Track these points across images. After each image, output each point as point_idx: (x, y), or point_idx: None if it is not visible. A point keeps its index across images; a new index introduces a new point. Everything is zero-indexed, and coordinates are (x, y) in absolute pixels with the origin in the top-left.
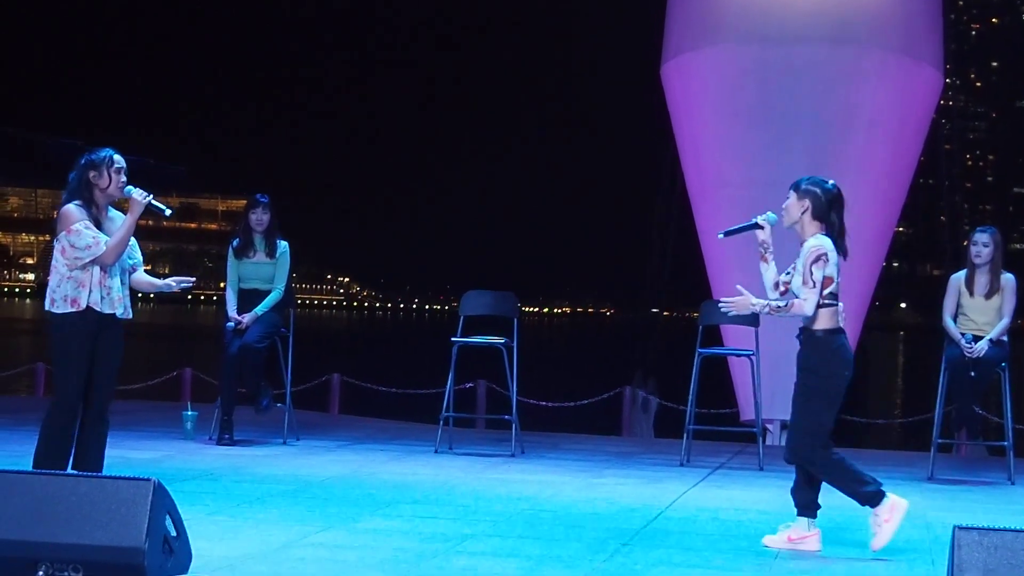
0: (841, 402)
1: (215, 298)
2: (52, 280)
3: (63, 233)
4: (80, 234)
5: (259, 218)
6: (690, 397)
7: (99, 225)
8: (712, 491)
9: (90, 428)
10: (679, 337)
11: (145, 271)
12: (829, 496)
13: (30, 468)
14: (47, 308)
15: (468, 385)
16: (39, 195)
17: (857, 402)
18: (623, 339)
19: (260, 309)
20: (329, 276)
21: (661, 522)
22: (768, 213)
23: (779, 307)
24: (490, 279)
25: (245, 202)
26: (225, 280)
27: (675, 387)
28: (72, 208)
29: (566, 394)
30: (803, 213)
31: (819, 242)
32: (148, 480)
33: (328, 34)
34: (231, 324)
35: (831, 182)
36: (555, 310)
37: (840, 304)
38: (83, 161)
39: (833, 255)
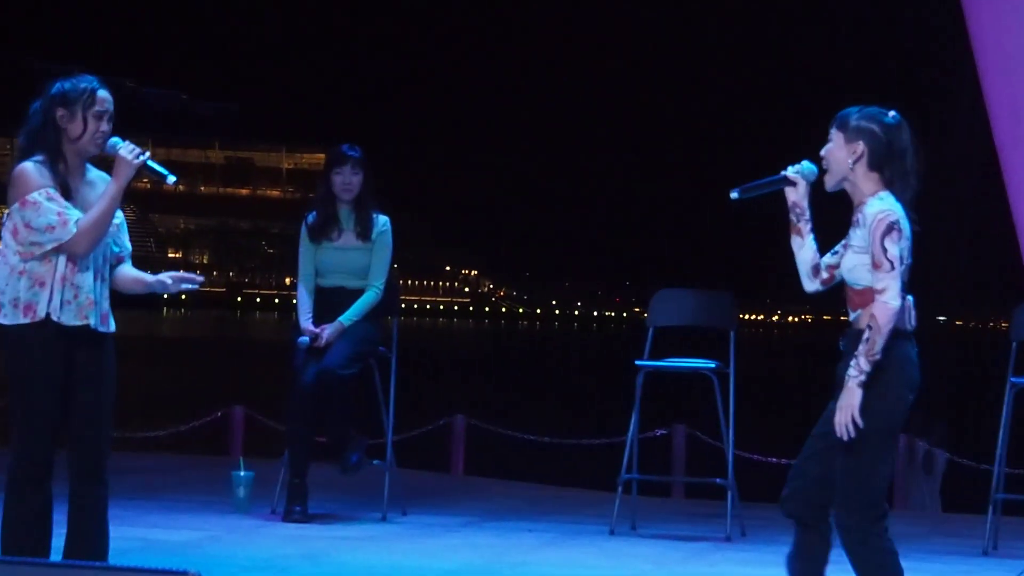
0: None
1: (278, 300)
2: None
3: (16, 205)
4: (39, 208)
5: (346, 181)
6: (998, 451)
7: (68, 194)
8: None
9: (82, 494)
10: (980, 359)
11: (173, 258)
12: None
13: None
14: None
15: (660, 432)
16: (15, 145)
17: None
18: None
19: (348, 317)
20: (449, 268)
21: None
22: (803, 163)
23: (872, 349)
24: (692, 274)
25: (324, 157)
26: (296, 274)
27: (974, 435)
28: (30, 169)
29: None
30: (855, 162)
31: (886, 206)
32: (184, 574)
33: None
34: (304, 340)
35: (892, 113)
36: (789, 318)
37: (910, 297)
38: (53, 90)
39: (906, 225)
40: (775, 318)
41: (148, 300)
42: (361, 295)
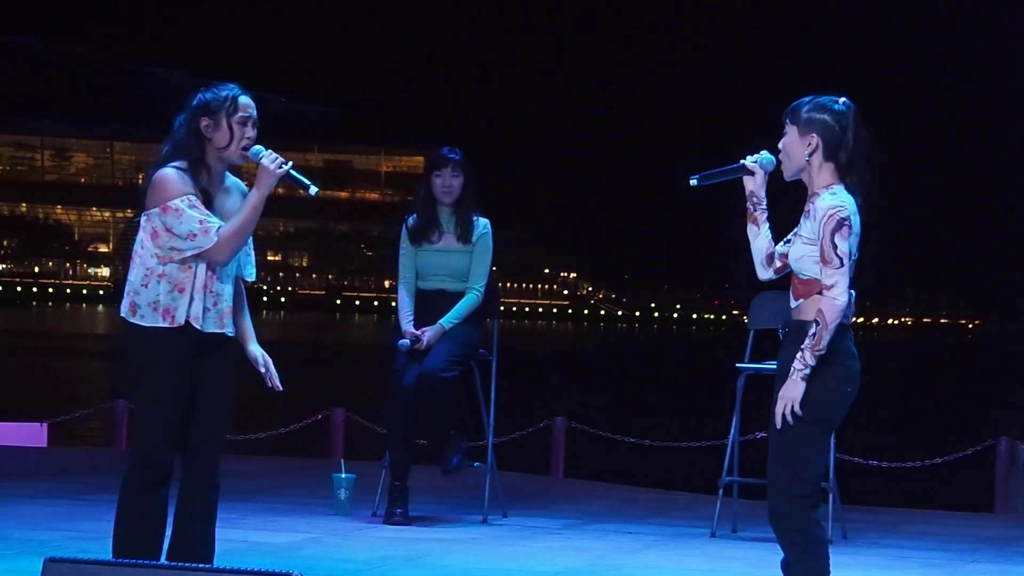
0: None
1: (377, 303)
2: (134, 275)
3: (156, 210)
4: (182, 215)
5: (447, 183)
6: None
7: (208, 202)
8: None
9: (193, 497)
10: None
11: (273, 260)
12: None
13: (110, 555)
14: (124, 314)
15: (760, 435)
16: (116, 150)
17: None
18: (995, 364)
19: (449, 320)
20: (548, 271)
21: None
22: (762, 153)
23: (817, 344)
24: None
25: (422, 160)
26: (395, 277)
27: None
28: (172, 175)
29: (907, 448)
30: (811, 154)
31: (838, 201)
32: (286, 575)
33: None
34: (405, 342)
35: (842, 99)
36: (890, 320)
37: (852, 292)
38: (195, 101)
39: (857, 221)
40: (875, 320)
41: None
42: (462, 298)
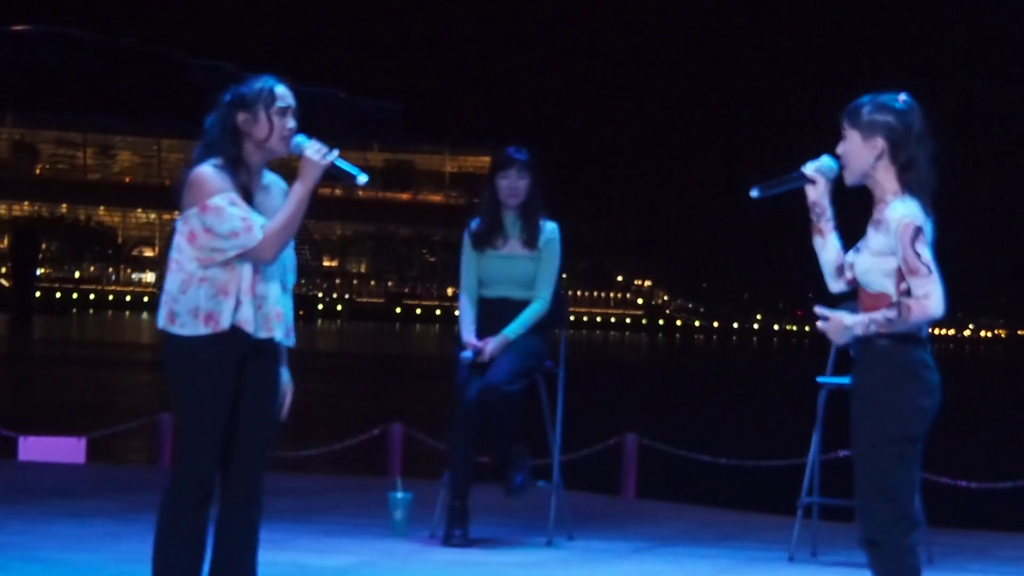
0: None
1: (440, 312)
2: (171, 281)
3: (194, 210)
4: (223, 213)
5: (512, 185)
6: None
7: (248, 200)
8: None
9: (233, 516)
10: None
11: (329, 266)
12: None
13: None
14: (162, 326)
15: (843, 454)
16: (164, 148)
17: None
18: None
19: (513, 330)
20: (621, 279)
21: None
22: (823, 158)
23: (890, 319)
24: None
25: (489, 160)
26: (458, 284)
27: None
28: (209, 173)
29: (998, 468)
30: (877, 158)
31: (909, 210)
32: None
33: None
34: (468, 354)
35: (902, 97)
36: (982, 332)
37: None
38: (228, 97)
39: (928, 228)
40: (967, 333)
41: (302, 311)
42: (527, 306)
